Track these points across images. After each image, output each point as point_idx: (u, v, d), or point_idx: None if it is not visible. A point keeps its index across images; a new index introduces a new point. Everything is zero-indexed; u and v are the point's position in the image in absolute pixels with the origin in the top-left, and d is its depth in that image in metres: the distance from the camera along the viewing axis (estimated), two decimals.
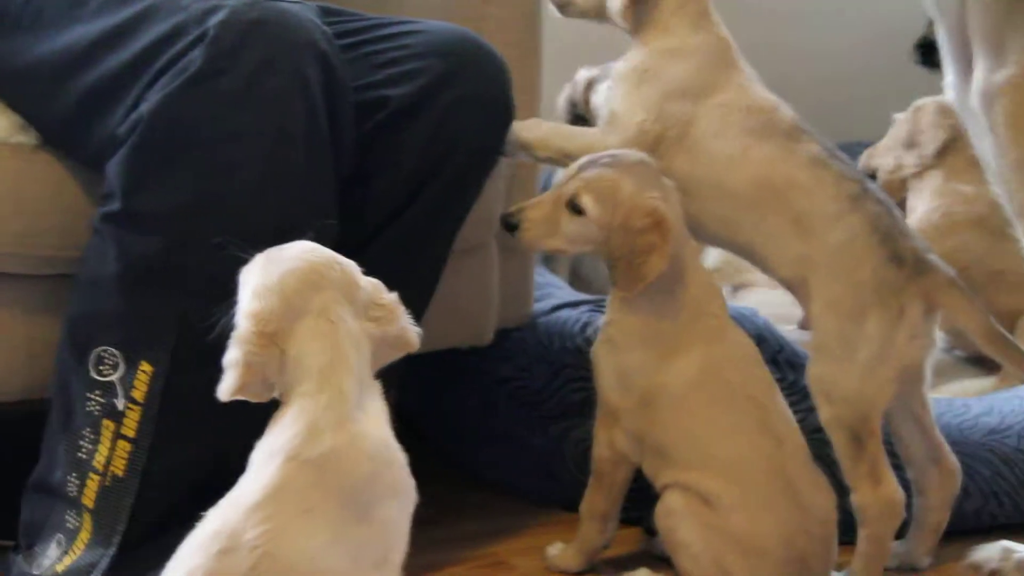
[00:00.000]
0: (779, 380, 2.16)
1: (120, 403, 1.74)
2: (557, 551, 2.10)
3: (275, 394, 1.45)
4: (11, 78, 1.92)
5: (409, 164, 1.94)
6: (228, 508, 1.36)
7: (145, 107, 1.72)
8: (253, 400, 1.44)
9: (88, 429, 1.76)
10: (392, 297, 1.49)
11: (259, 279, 1.45)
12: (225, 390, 1.42)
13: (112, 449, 1.75)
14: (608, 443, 2.00)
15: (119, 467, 1.75)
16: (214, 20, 1.71)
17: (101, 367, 1.76)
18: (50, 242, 1.91)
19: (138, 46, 1.77)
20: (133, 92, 1.75)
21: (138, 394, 1.73)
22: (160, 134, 1.72)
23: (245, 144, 1.72)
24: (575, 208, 1.92)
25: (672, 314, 1.96)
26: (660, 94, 2.02)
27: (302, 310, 1.42)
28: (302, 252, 1.47)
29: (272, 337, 1.41)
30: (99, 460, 1.76)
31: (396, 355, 1.51)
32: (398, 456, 1.44)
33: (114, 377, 1.75)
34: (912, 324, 1.95)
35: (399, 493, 1.44)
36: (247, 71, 1.71)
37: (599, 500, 2.04)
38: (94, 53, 1.81)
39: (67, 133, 1.88)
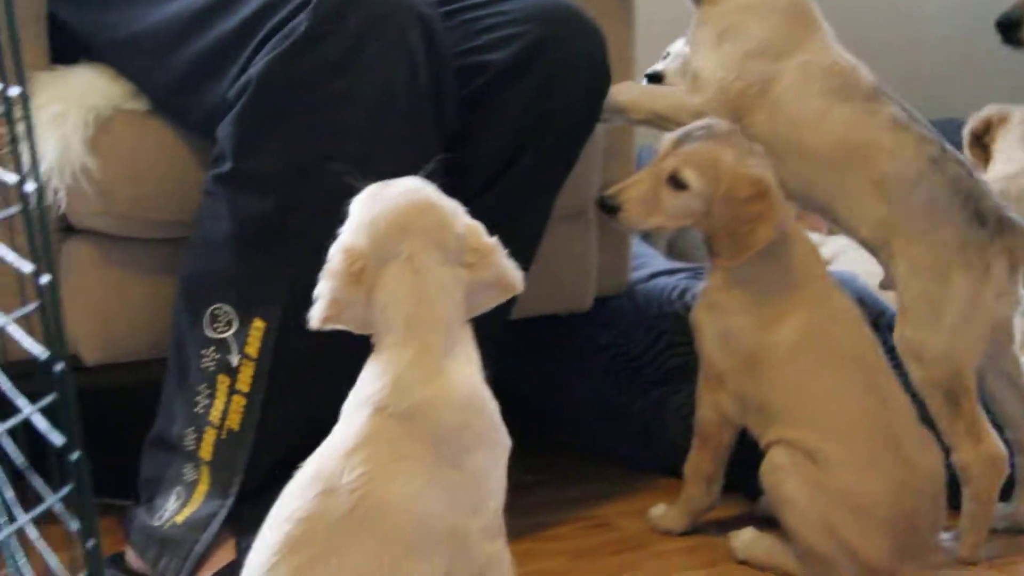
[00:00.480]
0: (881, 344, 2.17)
1: (234, 359, 1.78)
2: (661, 512, 2.12)
3: (369, 332, 1.45)
4: (123, 47, 1.96)
5: (509, 128, 1.96)
6: (324, 455, 1.38)
7: (253, 71, 1.75)
8: (353, 330, 1.45)
9: (204, 385, 1.80)
10: (490, 241, 1.47)
11: (358, 215, 1.46)
12: (312, 319, 1.43)
13: (227, 404, 1.79)
14: (713, 406, 2.02)
15: (234, 421, 1.79)
16: None
17: (215, 324, 1.80)
18: (163, 206, 1.95)
19: (245, 12, 1.81)
20: (241, 57, 1.79)
21: (251, 350, 1.77)
22: (268, 97, 1.75)
23: (350, 106, 1.75)
24: (677, 183, 1.93)
25: (776, 279, 1.97)
26: (741, 52, 2.03)
27: (390, 253, 1.42)
28: (402, 192, 1.46)
29: (358, 276, 1.41)
30: (215, 415, 1.80)
31: (498, 298, 1.49)
32: (488, 406, 1.44)
33: (228, 334, 1.79)
34: (998, 282, 1.96)
35: (490, 442, 1.44)
36: (350, 35, 1.74)
37: (704, 462, 2.06)
38: (203, 20, 1.85)
39: (178, 98, 1.92)
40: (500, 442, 1.44)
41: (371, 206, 1.45)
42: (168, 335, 1.88)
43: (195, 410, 1.81)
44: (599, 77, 2.04)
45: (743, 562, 1.99)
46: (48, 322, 0.90)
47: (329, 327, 1.44)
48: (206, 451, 1.81)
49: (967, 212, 1.98)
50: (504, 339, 2.12)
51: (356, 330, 1.45)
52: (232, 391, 1.79)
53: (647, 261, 2.55)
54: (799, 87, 2.03)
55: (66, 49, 2.02)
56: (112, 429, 1.91)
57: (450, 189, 1.85)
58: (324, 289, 1.43)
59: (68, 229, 1.98)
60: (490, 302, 1.49)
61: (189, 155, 1.96)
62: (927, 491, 1.94)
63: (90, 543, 0.98)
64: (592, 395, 2.43)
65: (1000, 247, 1.97)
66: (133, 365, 2.09)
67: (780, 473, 1.92)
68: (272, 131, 1.75)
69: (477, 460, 1.42)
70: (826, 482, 1.89)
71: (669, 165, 1.94)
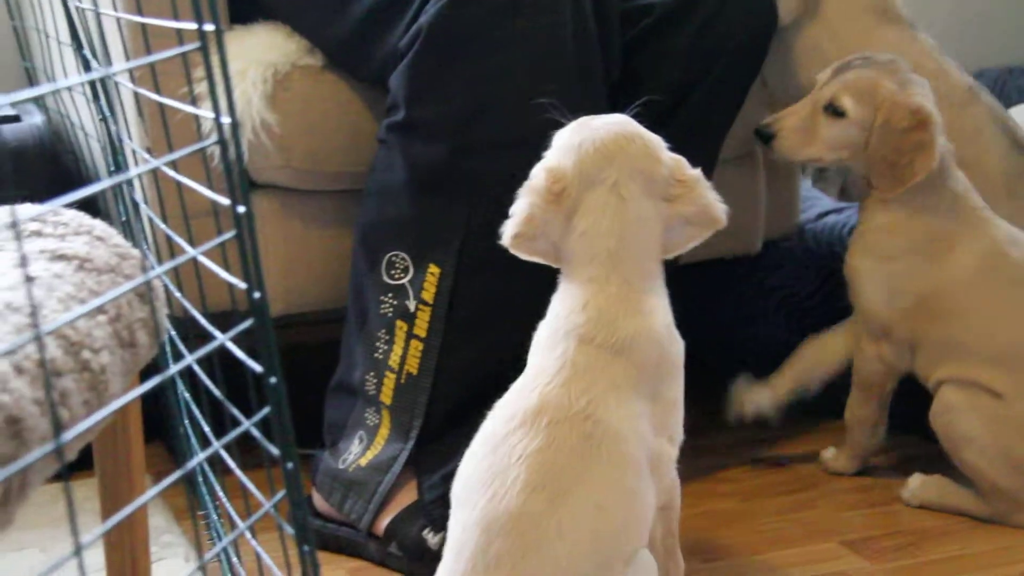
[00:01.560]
0: None
1: (411, 304, 1.82)
2: (831, 454, 2.11)
3: (558, 263, 1.46)
4: (297, 4, 2.00)
5: (676, 67, 1.96)
6: (533, 387, 1.39)
7: (423, 19, 1.78)
8: (539, 258, 1.46)
9: (383, 330, 1.84)
10: (695, 173, 1.47)
11: (565, 139, 1.46)
12: (505, 235, 1.44)
13: (405, 349, 1.83)
14: (877, 357, 1.99)
15: (413, 366, 1.82)
16: None
17: (392, 271, 1.83)
18: (339, 157, 1.99)
19: None
20: (411, 8, 1.81)
21: (427, 295, 1.80)
22: (437, 45, 1.77)
23: (516, 50, 1.76)
24: (835, 111, 1.92)
25: (939, 210, 1.93)
26: None
27: (594, 179, 1.43)
28: (610, 122, 1.47)
29: (559, 196, 1.43)
30: (394, 359, 1.83)
31: (701, 233, 1.48)
32: (679, 340, 1.47)
33: (405, 280, 1.82)
34: None
35: (680, 375, 1.47)
36: None
37: (867, 410, 2.05)
38: None
39: (351, 52, 1.95)
40: (682, 376, 1.48)
41: (579, 132, 1.46)
42: (346, 285, 1.93)
43: (375, 355, 1.85)
44: (763, 15, 2.03)
45: (919, 507, 1.97)
46: (245, 251, 0.93)
47: (519, 249, 1.45)
48: (386, 395, 1.84)
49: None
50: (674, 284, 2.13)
51: (542, 258, 1.47)
52: (410, 336, 1.82)
53: (815, 203, 2.52)
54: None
55: (244, 9, 2.06)
56: (292, 383, 1.96)
57: None
58: (521, 205, 1.44)
59: (251, 184, 2.02)
60: (689, 240, 1.49)
61: (363, 107, 1.99)
62: None
63: (289, 465, 1.01)
64: (761, 338, 2.43)
65: None
66: (310, 324, 2.13)
67: (954, 412, 1.90)
68: (441, 78, 1.77)
69: (672, 391, 1.46)
70: (1008, 415, 1.87)
71: (827, 93, 1.93)
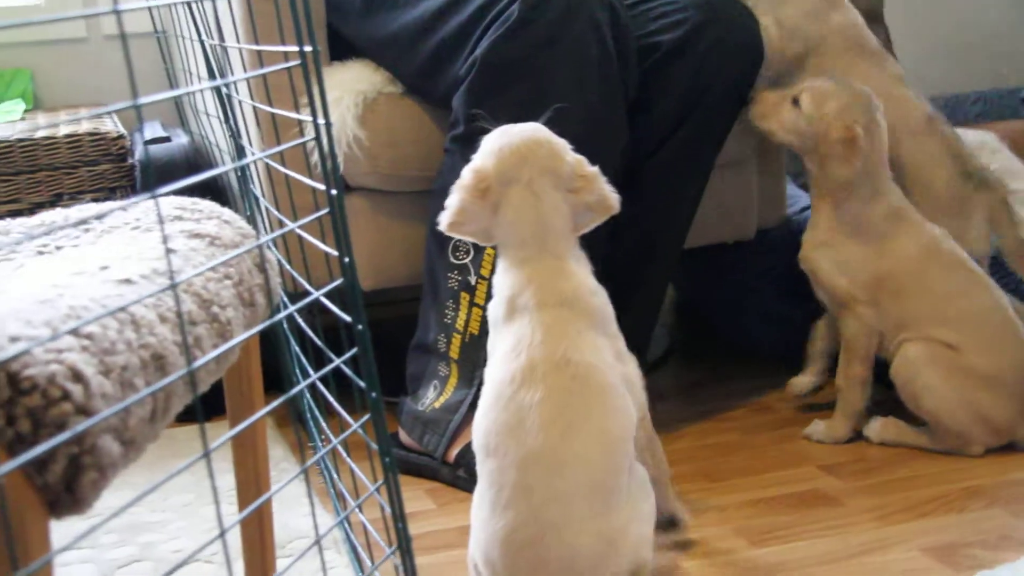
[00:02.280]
0: None
1: (472, 279, 1.83)
2: (820, 428, 2.00)
3: (491, 244, 1.48)
4: (381, 44, 2.02)
5: (678, 94, 1.95)
6: (524, 349, 1.39)
7: (478, 52, 1.80)
8: (475, 240, 1.49)
9: (451, 300, 1.86)
10: (592, 170, 1.47)
11: (488, 145, 1.48)
12: (442, 222, 1.46)
13: (468, 314, 1.84)
14: (855, 320, 1.95)
15: (474, 327, 1.84)
16: None
17: (457, 253, 1.85)
18: (415, 164, 2.01)
19: (471, 8, 1.86)
20: (470, 43, 1.83)
21: (485, 271, 1.82)
22: (490, 72, 1.79)
23: (553, 77, 1.77)
24: (795, 102, 1.94)
25: (876, 213, 1.92)
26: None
27: (512, 177, 1.43)
28: (525, 130, 1.48)
29: (484, 192, 1.44)
30: (460, 323, 1.85)
31: (601, 217, 1.48)
32: (603, 290, 1.47)
33: (467, 260, 1.84)
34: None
35: (612, 312, 1.47)
36: (553, 19, 1.77)
37: (857, 369, 1.97)
38: (439, 19, 1.90)
39: (423, 81, 1.97)
40: (613, 315, 1.48)
41: (498, 139, 1.47)
42: (421, 265, 1.95)
43: (444, 320, 1.87)
44: (752, 55, 2.02)
45: (880, 443, 1.96)
46: (336, 224, 0.95)
47: (454, 232, 1.47)
48: (455, 351, 1.86)
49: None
50: (679, 264, 2.14)
51: (477, 240, 1.49)
52: (472, 304, 1.84)
53: (798, 200, 2.52)
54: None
55: (340, 50, 2.09)
56: (379, 347, 1.99)
57: (630, 146, 1.89)
58: (453, 200, 1.46)
59: (346, 187, 2.04)
60: (592, 222, 1.49)
61: (433, 124, 2.01)
62: None
63: (372, 394, 1.03)
64: (760, 308, 2.42)
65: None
66: (392, 303, 2.16)
67: (916, 365, 1.89)
68: (493, 99, 1.78)
69: (613, 326, 1.47)
70: (964, 366, 1.86)
71: (797, 89, 1.96)
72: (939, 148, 2.05)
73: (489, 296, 1.79)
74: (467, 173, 1.46)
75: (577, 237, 1.48)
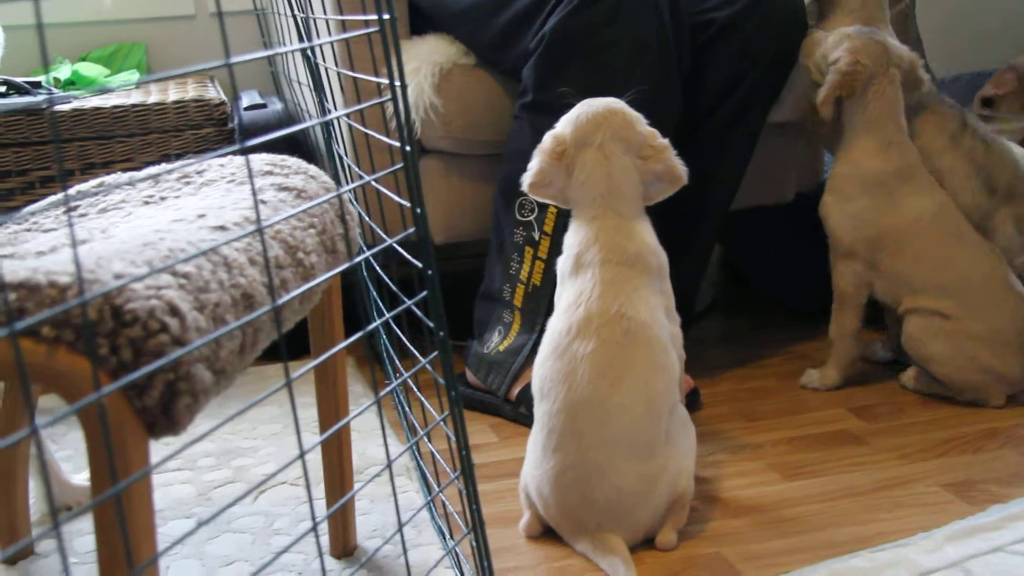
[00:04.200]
0: None
1: (536, 235, 1.81)
2: (816, 375, 1.94)
3: (565, 205, 1.46)
4: (456, 18, 1.99)
5: (729, 66, 1.91)
6: (578, 301, 1.38)
7: (546, 27, 1.76)
8: (554, 202, 1.47)
9: (516, 254, 1.84)
10: (663, 142, 1.45)
11: (568, 115, 1.47)
12: (524, 183, 1.46)
13: (532, 266, 1.82)
14: (848, 273, 1.87)
15: (536, 279, 1.82)
16: None
17: (522, 211, 1.82)
18: (485, 130, 1.98)
19: None
20: (539, 19, 1.80)
21: (548, 228, 1.79)
22: (557, 45, 1.75)
23: (615, 50, 1.74)
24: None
25: (893, 172, 1.84)
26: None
27: (586, 142, 1.43)
28: (603, 102, 1.46)
29: (561, 155, 1.43)
30: (523, 274, 1.83)
31: (671, 188, 1.46)
32: (664, 252, 1.45)
33: (532, 217, 1.81)
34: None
35: (668, 274, 1.46)
36: None
37: (848, 320, 1.89)
38: None
39: (495, 52, 1.94)
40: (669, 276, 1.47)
41: (578, 109, 1.47)
42: (488, 222, 1.92)
43: (510, 271, 1.85)
44: (796, 29, 1.96)
45: (914, 391, 1.90)
46: (409, 178, 0.93)
47: (535, 193, 1.46)
48: (518, 300, 1.84)
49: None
50: (729, 228, 2.09)
51: (556, 202, 1.47)
52: (535, 258, 1.81)
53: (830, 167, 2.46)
54: None
55: (419, 24, 2.06)
56: (450, 297, 1.98)
57: (684, 115, 1.85)
58: (534, 163, 1.45)
59: (422, 150, 2.02)
60: (661, 193, 1.47)
61: (503, 93, 1.97)
62: None
63: (440, 333, 1.02)
64: (795, 266, 2.37)
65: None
66: (462, 257, 2.14)
67: (918, 340, 1.82)
68: (560, 70, 1.75)
69: (668, 286, 1.46)
70: (960, 331, 1.79)
71: (832, 31, 1.91)
72: (962, 164, 1.96)
73: (552, 251, 1.79)
74: (547, 138, 1.46)
75: (642, 203, 1.45)
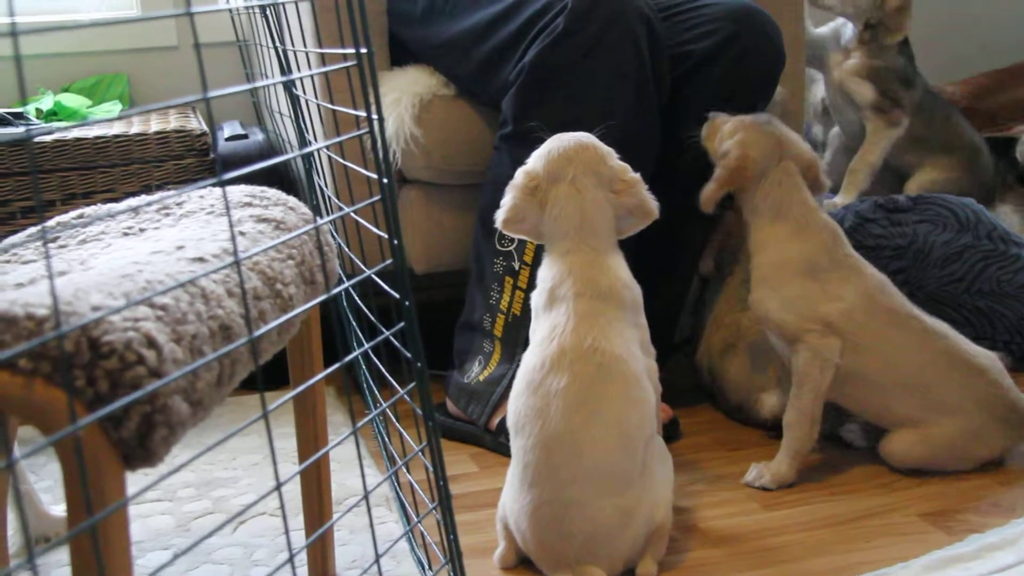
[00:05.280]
0: (992, 250, 2.08)
1: (516, 264, 1.82)
2: (769, 471, 1.67)
3: (539, 240, 1.46)
4: (437, 50, 2.01)
5: (706, 99, 1.90)
6: (556, 336, 1.38)
7: (526, 59, 1.78)
8: (527, 238, 1.47)
9: (496, 284, 1.84)
10: (634, 176, 1.45)
11: (540, 150, 1.48)
12: (498, 220, 1.46)
13: (512, 296, 1.83)
14: (807, 349, 1.64)
15: (516, 309, 1.82)
16: (571, 0, 1.75)
17: (502, 240, 1.83)
18: (466, 160, 1.99)
19: (521, 19, 1.83)
20: (519, 50, 1.81)
21: (527, 258, 1.80)
22: (537, 76, 1.77)
23: (594, 82, 1.75)
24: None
25: (812, 248, 1.67)
26: None
27: (558, 176, 1.43)
28: (574, 136, 1.47)
29: (534, 190, 1.44)
30: (503, 304, 1.84)
31: (640, 223, 1.46)
32: (638, 285, 1.45)
33: (511, 247, 1.82)
34: None
35: (642, 307, 1.46)
36: (594, 30, 1.74)
37: (807, 404, 1.64)
38: (492, 27, 1.88)
39: (476, 84, 1.95)
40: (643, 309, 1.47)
41: (548, 144, 1.48)
42: (468, 251, 1.93)
43: (490, 301, 1.86)
44: (774, 62, 1.96)
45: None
46: (387, 209, 0.94)
47: (508, 230, 1.46)
48: (499, 330, 1.85)
49: None
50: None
51: (530, 237, 1.47)
52: (515, 288, 1.82)
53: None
54: None
55: (400, 56, 2.08)
56: (428, 326, 1.99)
57: (662, 147, 1.86)
58: (507, 198, 1.46)
59: (403, 180, 2.03)
60: (634, 227, 1.48)
61: (483, 124, 1.99)
62: (1005, 382, 1.68)
63: (418, 364, 1.02)
64: None
65: None
66: (441, 286, 2.15)
67: (898, 456, 1.68)
68: (540, 101, 1.77)
69: (643, 319, 1.46)
70: (933, 435, 1.67)
71: (733, 119, 1.76)
72: None
73: (531, 281, 1.79)
74: (519, 174, 1.47)
75: (615, 236, 1.46)
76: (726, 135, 1.74)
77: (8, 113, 2.21)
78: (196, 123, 2.26)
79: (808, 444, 1.67)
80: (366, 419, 0.98)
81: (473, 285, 1.91)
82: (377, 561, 0.96)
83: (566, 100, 1.75)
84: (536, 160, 1.46)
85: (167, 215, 1.24)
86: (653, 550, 1.40)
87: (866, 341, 1.66)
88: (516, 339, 1.82)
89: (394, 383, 1.22)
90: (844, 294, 1.66)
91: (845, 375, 1.66)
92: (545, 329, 1.41)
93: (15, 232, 1.26)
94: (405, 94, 1.96)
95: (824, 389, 1.65)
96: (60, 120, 2.33)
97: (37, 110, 2.38)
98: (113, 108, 2.51)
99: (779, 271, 1.68)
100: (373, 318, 1.25)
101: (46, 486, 1.72)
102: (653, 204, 1.46)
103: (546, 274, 1.44)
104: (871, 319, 1.66)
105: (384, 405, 1.01)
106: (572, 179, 1.43)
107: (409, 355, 1.01)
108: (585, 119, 1.71)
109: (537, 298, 1.45)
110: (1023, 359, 2.07)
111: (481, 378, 1.87)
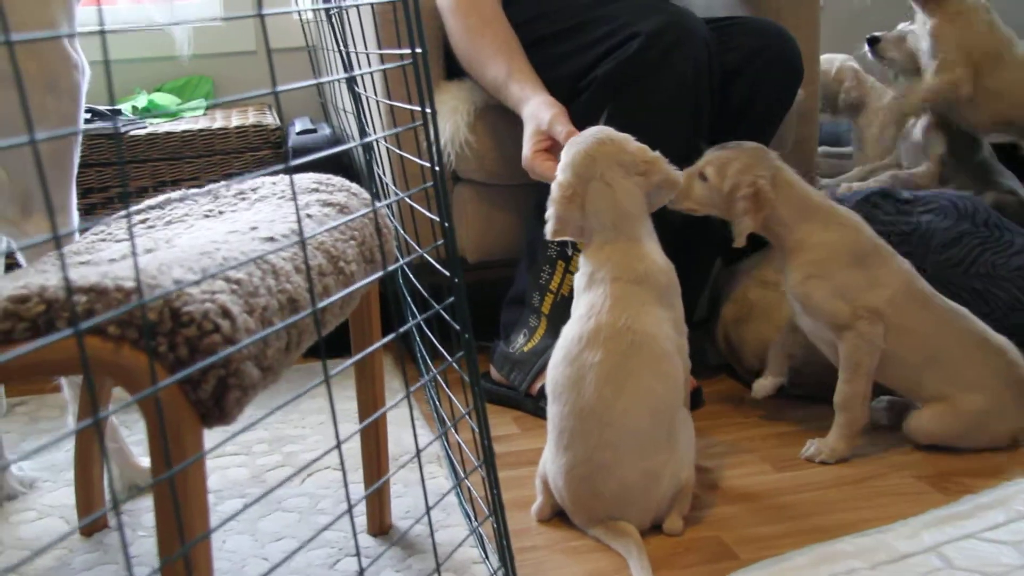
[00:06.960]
0: (988, 236, 2.03)
1: (569, 250, 1.79)
2: (826, 447, 1.61)
3: (585, 238, 1.42)
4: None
5: (731, 108, 1.87)
6: (588, 314, 1.36)
7: (599, 72, 1.73)
8: (574, 238, 1.43)
9: (547, 266, 1.82)
10: (655, 155, 1.42)
11: (564, 158, 1.44)
12: (547, 232, 1.43)
13: (562, 278, 1.81)
14: (857, 336, 1.57)
15: (566, 290, 1.80)
16: (646, 26, 1.70)
17: None
18: (514, 165, 1.83)
19: (597, 33, 1.78)
20: (591, 64, 1.76)
21: (580, 245, 1.76)
22: (607, 86, 1.72)
23: (661, 93, 1.70)
24: (702, 176, 1.62)
25: (847, 237, 1.60)
26: None
27: (588, 176, 1.40)
28: (588, 134, 1.44)
29: (572, 198, 1.40)
30: (554, 284, 1.82)
31: (668, 194, 1.43)
32: (672, 267, 1.42)
33: None
34: None
35: (679, 290, 1.42)
36: (662, 50, 1.68)
37: (860, 386, 1.58)
38: (567, 55, 1.82)
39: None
40: (679, 291, 1.43)
41: (570, 150, 1.44)
42: (516, 244, 1.90)
43: (540, 281, 1.84)
44: (794, 76, 1.90)
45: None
46: (439, 194, 0.92)
47: (558, 237, 1.42)
48: (547, 308, 1.83)
49: None
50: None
51: (576, 238, 1.43)
52: (566, 271, 1.80)
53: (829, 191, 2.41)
54: None
55: (455, 68, 2.03)
56: (481, 303, 1.97)
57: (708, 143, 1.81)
58: (551, 212, 1.42)
59: (457, 179, 2.01)
60: (663, 198, 1.45)
61: None
62: (1016, 358, 1.62)
63: (465, 335, 1.01)
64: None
65: None
66: (491, 267, 2.12)
67: (922, 431, 1.61)
68: (608, 104, 1.71)
69: (678, 301, 1.42)
70: (958, 411, 1.59)
71: (700, 164, 1.63)
72: None
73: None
74: (555, 188, 1.43)
75: (649, 219, 1.43)
76: (715, 174, 1.60)
77: (108, 110, 2.22)
78: (271, 119, 2.25)
79: (863, 422, 1.60)
80: (418, 384, 0.96)
81: (523, 266, 1.89)
82: (428, 512, 0.95)
83: (636, 109, 1.70)
84: (564, 170, 1.43)
85: (243, 199, 1.23)
86: (679, 507, 1.38)
87: (904, 323, 1.59)
88: (562, 317, 1.77)
89: (444, 353, 1.21)
90: (886, 280, 1.59)
91: (884, 356, 1.60)
92: (584, 307, 1.39)
93: (112, 214, 1.26)
94: (462, 103, 1.93)
95: (873, 371, 1.59)
96: (152, 116, 2.34)
97: (133, 107, 2.39)
98: (199, 105, 2.51)
99: (827, 264, 1.59)
100: (425, 294, 1.23)
101: (137, 439, 1.73)
102: (677, 174, 1.43)
103: (587, 261, 1.42)
104: (909, 302, 1.60)
105: (435, 372, 1.00)
106: (601, 175, 1.40)
107: (458, 327, 0.99)
108: (652, 127, 1.63)
109: (579, 280, 1.43)
110: (1014, 336, 2.01)
111: (525, 348, 1.85)
